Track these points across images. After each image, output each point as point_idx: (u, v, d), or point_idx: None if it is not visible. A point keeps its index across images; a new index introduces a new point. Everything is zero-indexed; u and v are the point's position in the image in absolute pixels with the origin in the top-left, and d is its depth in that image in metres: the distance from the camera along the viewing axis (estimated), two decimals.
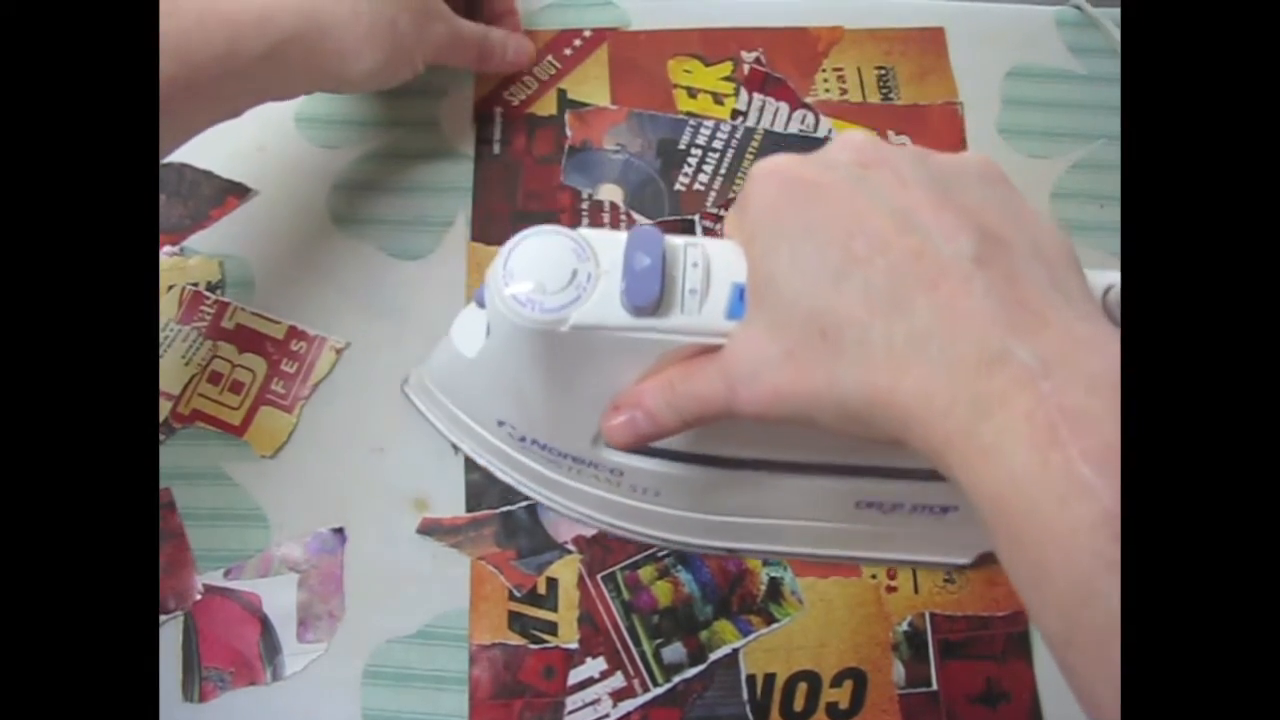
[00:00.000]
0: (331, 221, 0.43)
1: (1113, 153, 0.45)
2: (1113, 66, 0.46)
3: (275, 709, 0.37)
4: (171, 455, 0.40)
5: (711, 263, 0.29)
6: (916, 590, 0.39)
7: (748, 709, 0.37)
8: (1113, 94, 0.46)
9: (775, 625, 0.38)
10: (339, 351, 0.42)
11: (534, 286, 0.29)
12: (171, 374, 0.41)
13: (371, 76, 0.39)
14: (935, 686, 0.38)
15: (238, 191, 0.44)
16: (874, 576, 0.39)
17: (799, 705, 0.38)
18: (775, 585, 0.39)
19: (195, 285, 0.42)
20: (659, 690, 0.37)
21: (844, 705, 0.38)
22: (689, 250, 0.29)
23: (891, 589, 0.39)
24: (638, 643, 0.38)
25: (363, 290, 0.42)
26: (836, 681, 0.38)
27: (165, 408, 0.40)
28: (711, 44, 0.47)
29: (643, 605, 0.38)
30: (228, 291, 0.42)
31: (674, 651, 0.38)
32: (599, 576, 0.39)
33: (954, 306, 0.23)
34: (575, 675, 0.38)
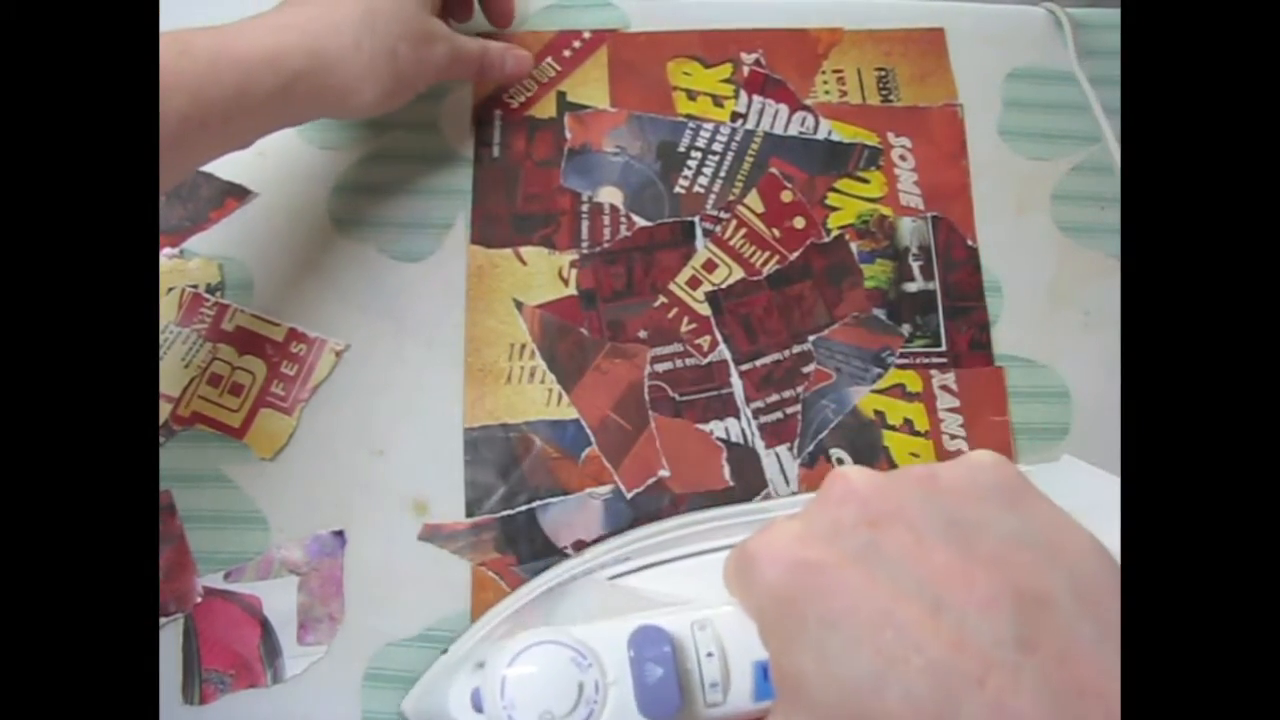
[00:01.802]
0: (331, 223, 0.43)
1: (1113, 154, 0.45)
2: (1113, 68, 0.46)
3: (276, 711, 0.37)
4: (171, 457, 0.40)
5: (726, 647, 0.27)
6: None
7: None
8: (1113, 95, 0.46)
9: None
10: (339, 354, 0.42)
11: (540, 713, 0.27)
12: (171, 376, 0.41)
13: (374, 106, 0.39)
14: None
15: (237, 193, 0.44)
16: None
17: None
18: None
19: (195, 287, 0.42)
20: None
21: None
22: (699, 638, 0.27)
23: None
24: None
25: (362, 292, 0.42)
26: None
27: (165, 410, 0.40)
28: (711, 46, 0.47)
29: None
30: (227, 294, 0.42)
31: None
32: None
33: (1005, 707, 0.21)
34: None
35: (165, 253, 0.42)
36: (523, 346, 0.42)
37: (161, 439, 0.40)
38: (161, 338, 0.41)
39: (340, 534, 0.39)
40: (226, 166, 0.44)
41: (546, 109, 0.46)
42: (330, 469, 0.40)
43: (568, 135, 0.45)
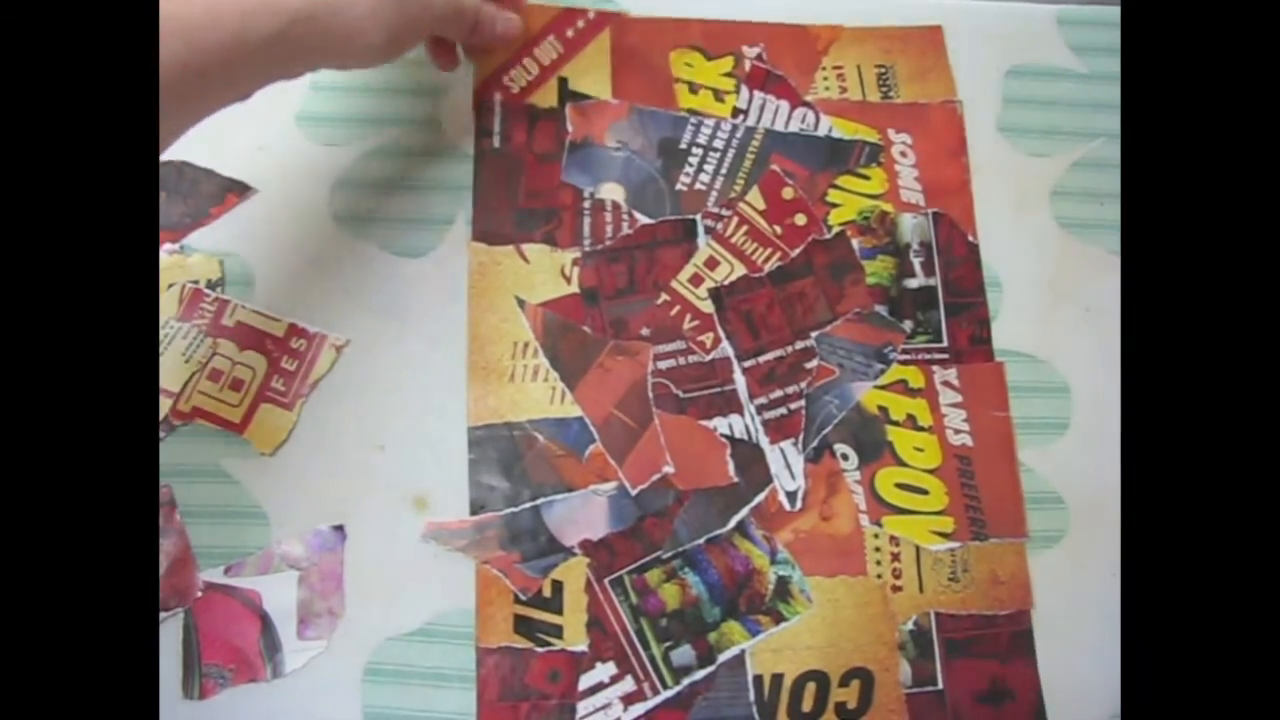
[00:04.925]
0: (332, 219, 0.43)
1: (1113, 151, 0.45)
2: (1113, 65, 0.46)
3: (276, 706, 0.37)
4: (171, 452, 0.40)
5: None
6: (921, 589, 0.39)
7: (754, 710, 0.37)
8: (1113, 92, 0.46)
9: (784, 624, 0.38)
10: (339, 349, 0.41)
11: None
12: (171, 371, 0.41)
13: (379, 51, 0.38)
14: (941, 686, 0.38)
15: (238, 189, 0.44)
16: (879, 576, 0.39)
17: (807, 705, 0.37)
18: (783, 584, 0.39)
19: (195, 283, 0.42)
20: (669, 693, 0.37)
21: (852, 705, 0.38)
22: None
23: (897, 588, 0.39)
24: (646, 646, 0.38)
25: (363, 288, 0.42)
26: (844, 681, 0.38)
27: (165, 405, 0.40)
28: (713, 36, 0.47)
29: (651, 609, 0.38)
30: (228, 289, 0.42)
31: (683, 654, 0.38)
32: (606, 581, 0.39)
33: None
34: (586, 680, 0.38)
35: (166, 248, 0.42)
36: (525, 344, 0.42)
37: (162, 434, 0.40)
38: (162, 333, 0.41)
39: (340, 529, 0.39)
40: (227, 162, 0.44)
41: (548, 97, 0.45)
42: (330, 464, 0.40)
43: (569, 128, 0.45)
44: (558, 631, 0.38)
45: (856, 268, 0.43)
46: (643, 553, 0.39)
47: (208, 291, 0.42)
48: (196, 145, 0.43)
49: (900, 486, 0.40)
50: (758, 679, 0.38)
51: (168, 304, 0.41)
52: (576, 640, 0.38)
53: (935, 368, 0.42)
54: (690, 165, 0.45)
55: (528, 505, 0.39)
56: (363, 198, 0.44)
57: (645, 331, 0.42)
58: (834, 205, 0.44)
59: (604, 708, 0.37)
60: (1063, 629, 0.39)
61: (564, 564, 0.39)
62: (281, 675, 0.38)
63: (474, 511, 0.39)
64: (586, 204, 0.44)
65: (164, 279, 0.42)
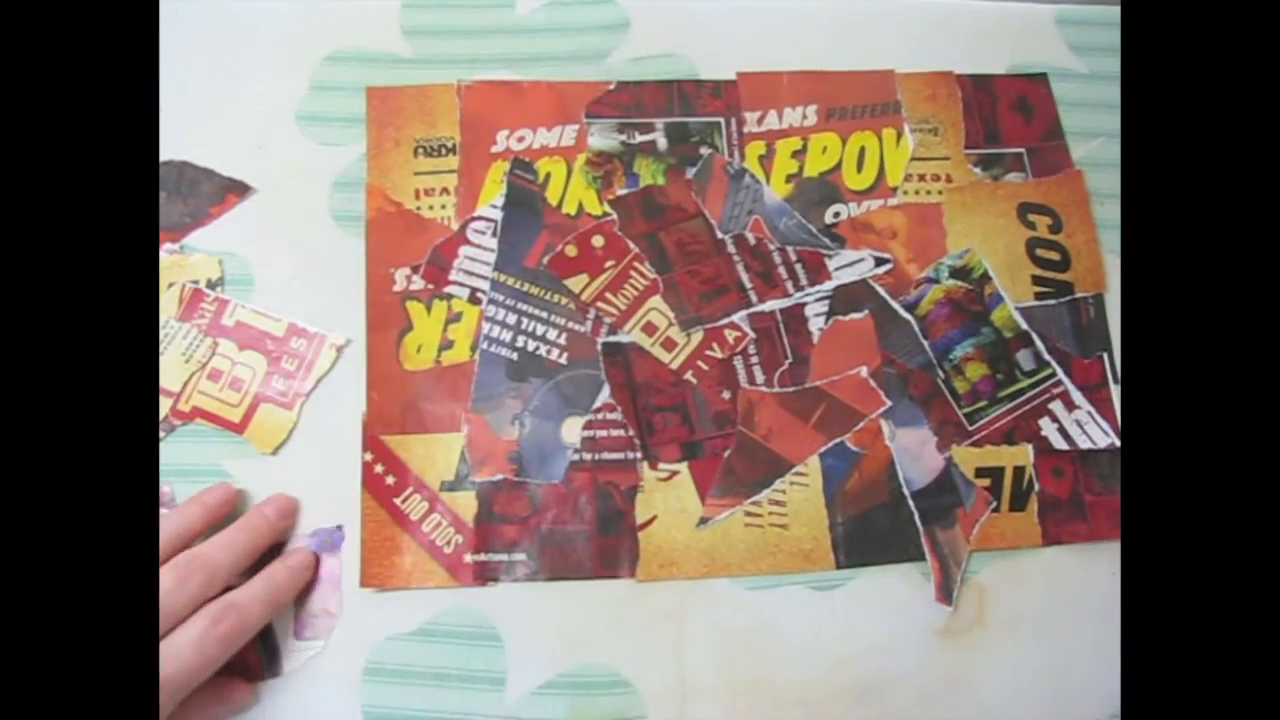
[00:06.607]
0: (332, 219, 0.43)
1: (1113, 151, 0.45)
2: (1113, 65, 0.46)
3: (274, 706, 0.37)
4: (171, 452, 0.40)
5: None
6: None
7: None
8: (1113, 92, 0.46)
9: None
10: (339, 349, 0.41)
11: None
12: (171, 371, 0.41)
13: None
14: None
15: (238, 189, 0.44)
16: None
17: None
18: None
19: (195, 283, 0.42)
20: None
21: None
22: None
23: None
24: None
25: (363, 288, 0.42)
26: None
27: (165, 405, 0.40)
28: None
29: None
30: (228, 289, 0.42)
31: None
32: None
33: None
34: None
35: (166, 248, 0.42)
36: None
37: (162, 434, 0.40)
38: (162, 333, 0.41)
39: (339, 528, 0.39)
40: (227, 162, 0.44)
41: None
42: (330, 464, 0.40)
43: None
44: None
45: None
46: None
47: (208, 291, 0.42)
48: (196, 145, 0.44)
49: None
50: None
51: (168, 304, 0.41)
52: None
53: None
54: None
55: None
56: (363, 198, 0.44)
57: None
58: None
59: None
60: (1063, 629, 0.39)
61: None
62: (280, 675, 0.38)
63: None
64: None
65: (164, 279, 0.42)
